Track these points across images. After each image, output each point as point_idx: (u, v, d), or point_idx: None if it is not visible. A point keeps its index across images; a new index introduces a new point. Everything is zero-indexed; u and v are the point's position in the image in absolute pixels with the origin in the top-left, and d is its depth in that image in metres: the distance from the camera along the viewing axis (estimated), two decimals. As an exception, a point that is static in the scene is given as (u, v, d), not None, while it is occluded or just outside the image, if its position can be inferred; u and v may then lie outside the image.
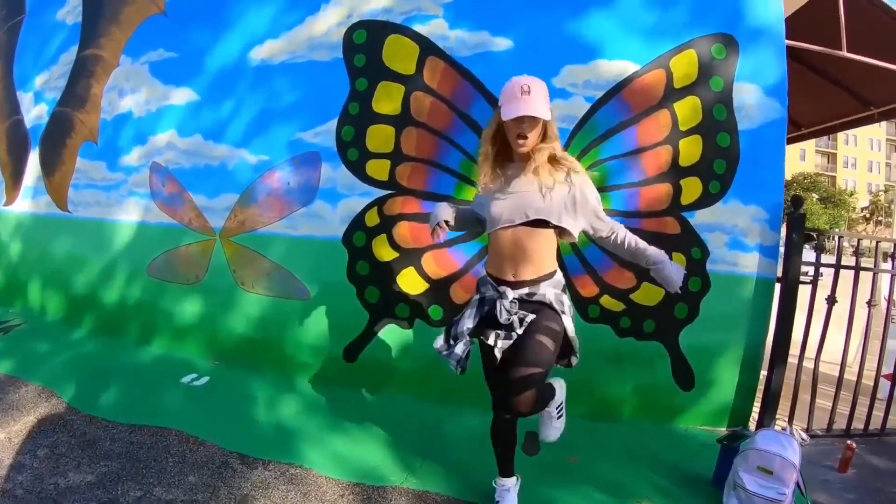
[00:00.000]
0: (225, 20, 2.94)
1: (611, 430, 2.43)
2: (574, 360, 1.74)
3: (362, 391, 2.68)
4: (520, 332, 1.56)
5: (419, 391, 2.59)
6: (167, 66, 3.09)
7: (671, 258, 1.70)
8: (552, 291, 1.63)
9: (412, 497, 1.89)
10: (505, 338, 1.59)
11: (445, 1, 2.61)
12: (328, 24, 2.73)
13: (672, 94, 2.49)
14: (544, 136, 1.58)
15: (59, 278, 3.47)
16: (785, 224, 2.58)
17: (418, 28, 2.62)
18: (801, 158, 36.88)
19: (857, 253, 2.74)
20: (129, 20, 3.24)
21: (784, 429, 1.96)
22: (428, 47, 2.61)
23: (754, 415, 2.61)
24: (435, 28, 2.61)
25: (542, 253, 1.63)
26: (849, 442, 2.36)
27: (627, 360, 2.55)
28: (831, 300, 2.57)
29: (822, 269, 2.58)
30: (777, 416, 2.51)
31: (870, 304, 2.70)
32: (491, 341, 1.61)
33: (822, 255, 2.59)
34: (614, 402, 2.57)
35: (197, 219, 2.98)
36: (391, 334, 2.68)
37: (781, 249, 2.58)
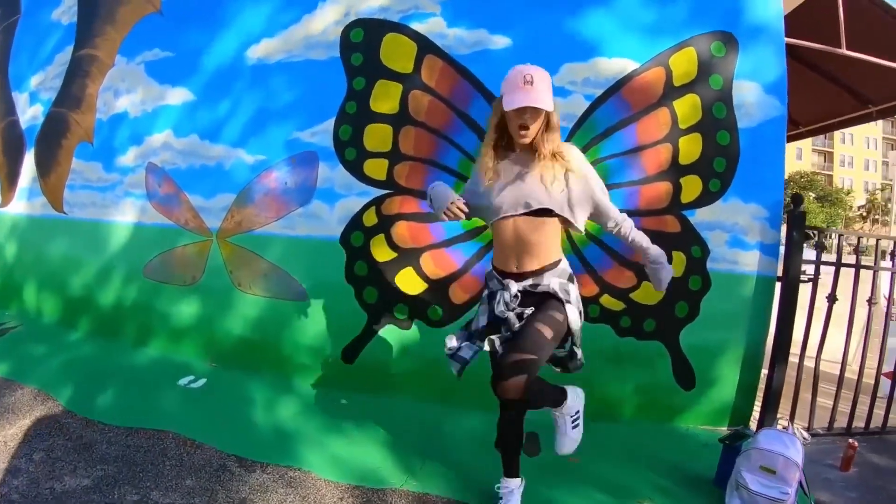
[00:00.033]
0: (221, 19, 2.92)
1: (611, 430, 2.41)
2: (579, 359, 1.71)
3: (361, 392, 2.66)
4: (516, 329, 1.56)
5: (419, 392, 2.58)
6: (163, 65, 3.07)
7: (671, 257, 1.69)
8: (557, 281, 1.61)
9: (412, 499, 1.88)
10: (505, 332, 1.59)
11: (443, -1, 2.59)
12: (325, 23, 2.71)
13: (672, 92, 2.48)
14: (547, 127, 1.56)
15: (54, 280, 3.45)
16: (785, 222, 2.58)
17: (416, 26, 2.60)
18: (797, 157, 36.91)
19: (858, 251, 2.74)
20: (125, 20, 3.21)
21: (785, 428, 1.96)
22: (426, 46, 2.59)
23: (755, 414, 2.60)
24: (433, 26, 2.59)
25: (545, 243, 1.61)
26: (850, 440, 2.36)
27: (628, 359, 2.54)
28: (832, 298, 2.57)
29: (822, 268, 2.58)
30: (778, 415, 2.50)
31: (870, 302, 2.70)
32: (488, 347, 1.61)
33: (822, 254, 2.58)
34: (615, 402, 2.56)
35: (193, 219, 2.95)
36: (390, 335, 2.66)
37: (782, 248, 2.57)
